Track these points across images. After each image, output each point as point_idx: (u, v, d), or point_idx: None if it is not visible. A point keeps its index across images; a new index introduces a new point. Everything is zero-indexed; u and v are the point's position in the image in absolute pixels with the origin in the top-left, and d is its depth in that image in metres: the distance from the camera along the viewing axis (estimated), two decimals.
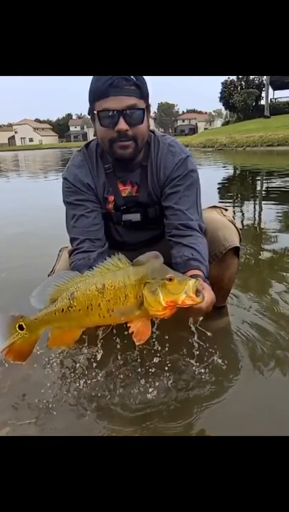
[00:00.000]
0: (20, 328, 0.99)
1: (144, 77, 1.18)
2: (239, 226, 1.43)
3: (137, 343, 0.93)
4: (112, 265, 0.96)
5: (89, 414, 1.10)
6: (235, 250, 1.38)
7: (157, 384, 1.18)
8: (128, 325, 0.95)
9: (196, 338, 1.12)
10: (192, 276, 0.98)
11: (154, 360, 1.23)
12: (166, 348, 1.23)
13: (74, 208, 1.29)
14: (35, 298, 0.99)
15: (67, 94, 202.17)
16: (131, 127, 1.15)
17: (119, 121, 1.14)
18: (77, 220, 1.28)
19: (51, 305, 0.98)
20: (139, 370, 1.23)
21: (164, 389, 1.16)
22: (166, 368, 1.21)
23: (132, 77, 1.10)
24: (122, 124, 1.14)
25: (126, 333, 0.96)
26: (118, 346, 1.30)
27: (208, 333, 1.16)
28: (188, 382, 1.19)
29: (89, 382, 1.20)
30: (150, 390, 1.16)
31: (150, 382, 1.18)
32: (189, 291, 0.90)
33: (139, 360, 1.27)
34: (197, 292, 0.91)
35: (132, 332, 0.93)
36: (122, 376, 1.22)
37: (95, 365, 1.22)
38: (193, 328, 1.09)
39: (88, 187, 1.30)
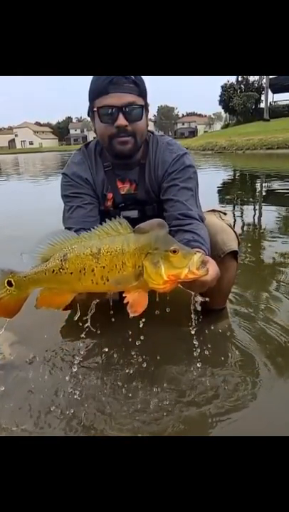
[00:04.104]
0: (9, 284, 0.95)
1: (144, 79, 1.21)
2: (238, 230, 1.43)
3: (131, 315, 0.87)
4: (111, 229, 0.89)
5: (85, 426, 1.03)
6: (234, 254, 1.40)
7: (156, 399, 1.10)
8: (124, 294, 0.89)
9: (195, 338, 1.11)
10: None
11: (152, 369, 1.20)
12: (166, 351, 1.21)
13: (71, 200, 1.30)
14: (27, 254, 0.94)
15: (67, 95, 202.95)
16: (130, 123, 1.18)
17: (118, 117, 1.16)
18: (74, 211, 1.28)
19: (42, 264, 0.93)
20: (140, 378, 1.18)
21: (164, 403, 1.09)
22: (165, 380, 1.17)
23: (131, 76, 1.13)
24: (122, 120, 1.16)
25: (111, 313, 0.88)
26: (118, 351, 1.29)
27: (209, 335, 1.15)
28: (188, 394, 1.12)
29: (87, 388, 1.16)
30: (150, 404, 1.08)
31: (149, 394, 1.12)
32: (193, 266, 0.84)
33: (139, 362, 1.25)
34: (202, 264, 0.85)
35: (128, 302, 0.87)
36: (121, 385, 1.17)
37: (93, 367, 1.21)
38: (193, 308, 1.03)
39: (86, 181, 1.31)
